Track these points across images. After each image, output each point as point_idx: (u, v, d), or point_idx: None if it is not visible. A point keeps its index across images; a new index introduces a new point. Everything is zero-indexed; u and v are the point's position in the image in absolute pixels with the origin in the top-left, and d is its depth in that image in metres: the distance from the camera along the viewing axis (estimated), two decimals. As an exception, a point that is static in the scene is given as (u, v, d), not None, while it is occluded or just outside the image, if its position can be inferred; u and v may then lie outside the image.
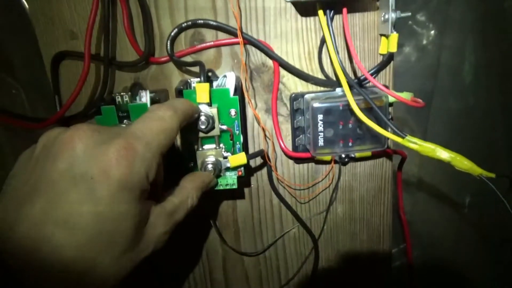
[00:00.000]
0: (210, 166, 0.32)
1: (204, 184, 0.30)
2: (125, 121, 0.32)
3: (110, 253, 0.21)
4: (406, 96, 0.32)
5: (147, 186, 0.23)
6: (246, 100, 0.35)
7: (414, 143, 0.28)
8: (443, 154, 0.28)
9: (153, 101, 0.32)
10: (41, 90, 0.38)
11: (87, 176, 0.21)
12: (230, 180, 0.32)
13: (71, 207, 0.20)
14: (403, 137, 0.28)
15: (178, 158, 0.33)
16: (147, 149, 0.23)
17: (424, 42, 0.46)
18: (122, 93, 0.32)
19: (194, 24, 0.33)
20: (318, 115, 0.32)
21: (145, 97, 0.32)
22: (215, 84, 0.32)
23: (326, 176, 0.38)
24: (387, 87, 0.34)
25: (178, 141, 0.34)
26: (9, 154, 0.40)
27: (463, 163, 0.27)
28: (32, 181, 0.21)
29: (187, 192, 0.28)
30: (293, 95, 0.35)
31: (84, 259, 0.21)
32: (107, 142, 0.22)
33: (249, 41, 0.33)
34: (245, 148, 0.34)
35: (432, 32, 0.46)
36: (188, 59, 0.34)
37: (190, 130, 0.31)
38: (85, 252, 0.21)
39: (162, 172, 0.27)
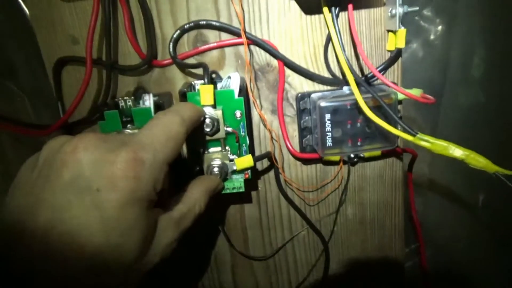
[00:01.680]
0: (216, 170, 0.31)
1: (211, 189, 0.30)
2: (128, 125, 0.31)
3: (118, 266, 0.21)
4: (416, 92, 0.31)
5: (154, 197, 0.23)
6: (251, 101, 0.34)
7: (426, 141, 0.27)
8: (457, 151, 0.27)
9: (157, 105, 0.32)
10: (45, 97, 0.37)
11: (93, 188, 0.20)
12: (237, 183, 0.32)
13: (77, 220, 0.20)
14: (414, 135, 0.27)
15: (183, 162, 0.33)
16: (154, 159, 0.22)
17: (432, 37, 0.45)
18: (125, 98, 0.31)
19: (197, 25, 0.33)
20: (326, 115, 0.31)
21: (148, 101, 0.31)
22: (219, 85, 0.32)
23: (335, 177, 0.37)
24: (395, 84, 0.33)
25: (183, 145, 0.34)
26: (14, 161, 0.40)
27: (478, 160, 0.26)
28: (36, 191, 0.21)
29: (194, 198, 0.28)
30: (299, 94, 0.34)
31: (91, 273, 0.20)
32: (114, 152, 0.21)
33: (253, 41, 0.33)
34: (251, 150, 0.33)
35: (440, 27, 0.45)
36: (191, 61, 0.34)
37: (195, 133, 0.30)
38: (93, 266, 0.20)
39: (167, 180, 0.27)
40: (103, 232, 0.20)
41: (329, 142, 0.32)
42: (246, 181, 0.32)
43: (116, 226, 0.20)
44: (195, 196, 0.28)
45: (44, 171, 0.21)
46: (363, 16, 0.33)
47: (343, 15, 0.32)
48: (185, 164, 0.33)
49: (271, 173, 0.37)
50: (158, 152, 0.23)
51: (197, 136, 0.30)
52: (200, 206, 0.28)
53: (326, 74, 0.34)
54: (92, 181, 0.20)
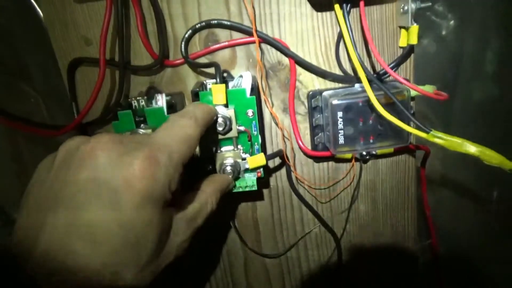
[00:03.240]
0: (229, 168, 0.31)
1: (223, 188, 0.30)
2: (142, 125, 0.32)
3: (133, 266, 0.21)
4: (428, 89, 0.31)
5: (169, 196, 0.23)
6: (263, 99, 0.34)
7: (439, 138, 0.27)
8: (471, 148, 0.26)
9: (169, 105, 0.32)
10: (59, 98, 0.38)
11: (111, 187, 0.20)
12: (249, 181, 0.32)
13: (95, 219, 0.20)
14: (427, 132, 0.27)
15: (196, 161, 0.33)
16: (169, 160, 0.23)
17: (444, 32, 0.45)
18: (138, 98, 0.32)
19: (208, 25, 0.33)
20: (338, 112, 0.31)
21: (161, 100, 0.32)
22: (231, 84, 0.32)
23: (347, 175, 0.37)
24: (408, 80, 0.33)
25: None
26: (29, 161, 0.40)
27: (493, 157, 0.26)
28: (54, 191, 0.21)
29: (206, 196, 0.28)
30: (311, 92, 0.34)
31: (107, 272, 0.20)
32: (130, 153, 0.22)
33: (264, 39, 0.33)
34: (263, 148, 0.33)
35: (452, 22, 0.45)
36: (203, 60, 0.34)
37: (207, 132, 0.30)
38: (109, 265, 0.20)
39: (181, 180, 0.27)
40: (120, 231, 0.20)
41: (341, 140, 0.32)
42: (258, 179, 0.32)
43: (132, 225, 0.21)
44: (207, 194, 0.28)
45: (62, 172, 0.22)
46: (374, 13, 0.32)
47: (354, 12, 0.32)
48: (197, 163, 0.33)
49: (283, 171, 0.37)
50: (173, 153, 0.23)
51: (209, 135, 0.31)
52: (212, 204, 0.28)
53: (337, 71, 0.34)
54: (109, 181, 0.21)
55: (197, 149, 0.33)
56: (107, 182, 0.21)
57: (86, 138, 0.23)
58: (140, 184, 0.21)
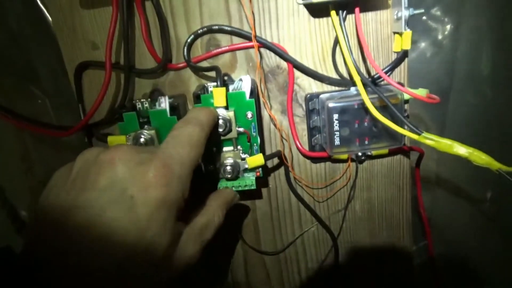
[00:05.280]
0: (228, 168, 0.32)
1: (228, 201, 0.31)
2: (145, 126, 0.33)
3: (144, 273, 0.22)
4: (421, 92, 0.32)
5: (182, 205, 0.24)
6: (262, 102, 0.35)
7: (430, 140, 0.28)
8: (461, 149, 0.27)
9: (172, 106, 0.33)
10: (66, 99, 0.39)
11: (127, 195, 0.22)
12: (248, 181, 0.33)
13: (110, 225, 0.21)
14: (419, 134, 0.28)
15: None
16: (182, 169, 0.24)
17: (440, 37, 0.46)
18: (142, 100, 0.33)
19: (210, 30, 0.34)
20: (334, 115, 0.32)
21: (164, 102, 0.33)
22: (231, 87, 0.33)
23: (343, 175, 0.38)
24: (402, 84, 0.34)
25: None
26: (36, 161, 0.41)
27: (481, 158, 0.27)
28: (72, 196, 0.22)
29: (213, 210, 0.29)
30: (308, 95, 0.35)
31: (123, 271, 0.21)
32: (146, 163, 0.23)
33: (263, 44, 0.34)
34: (262, 149, 0.34)
35: (448, 26, 0.46)
36: (205, 64, 0.35)
37: (210, 134, 0.32)
38: (121, 271, 0.21)
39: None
40: (137, 232, 0.21)
41: (337, 141, 0.33)
42: (257, 179, 0.33)
43: (148, 228, 0.22)
44: (213, 208, 0.29)
45: (80, 179, 0.23)
46: (369, 19, 0.34)
47: (350, 18, 0.33)
48: (199, 164, 0.34)
49: (281, 171, 0.38)
50: (184, 161, 0.25)
51: (211, 136, 0.32)
52: (219, 217, 0.29)
53: (334, 75, 0.35)
54: (127, 188, 0.22)
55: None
56: (125, 189, 0.22)
57: (103, 148, 0.24)
58: (155, 192, 0.22)
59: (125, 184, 0.22)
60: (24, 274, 0.21)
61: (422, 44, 0.47)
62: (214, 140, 0.32)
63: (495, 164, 0.27)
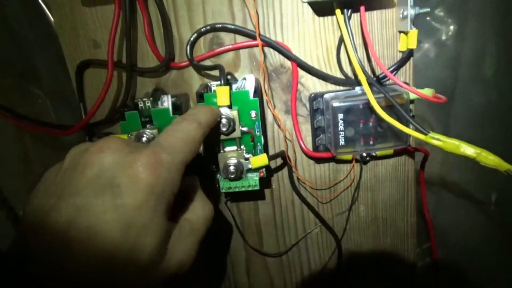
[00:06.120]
0: (232, 168, 0.32)
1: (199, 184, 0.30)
2: (148, 125, 0.32)
3: (133, 268, 0.21)
4: (427, 92, 0.32)
5: (172, 200, 0.23)
6: (266, 101, 0.35)
7: (437, 140, 0.27)
8: (468, 150, 0.27)
9: (175, 106, 0.33)
10: (66, 99, 0.39)
11: (115, 184, 0.21)
12: (252, 181, 0.33)
13: (96, 215, 0.21)
14: (426, 134, 0.28)
15: (200, 161, 0.34)
16: (173, 161, 0.23)
17: (444, 37, 0.46)
18: (144, 99, 0.33)
19: (213, 29, 0.34)
20: (338, 115, 0.32)
21: (166, 101, 0.33)
22: (234, 86, 0.33)
23: (347, 176, 0.38)
24: (407, 84, 0.34)
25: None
26: (36, 161, 0.41)
27: (489, 158, 0.27)
28: (59, 190, 0.22)
29: (201, 203, 0.28)
30: (312, 95, 0.35)
31: (106, 271, 0.20)
32: (135, 153, 0.23)
33: (267, 43, 0.33)
34: (265, 149, 0.34)
35: (452, 27, 0.46)
36: (208, 63, 0.35)
37: (211, 133, 0.31)
38: (108, 264, 0.20)
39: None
40: (121, 230, 0.21)
41: (341, 141, 0.33)
42: (260, 179, 0.33)
43: (133, 224, 0.21)
44: (201, 200, 0.28)
45: (69, 172, 0.22)
46: (375, 18, 0.33)
47: (355, 17, 0.33)
48: (201, 164, 0.34)
49: (285, 172, 0.38)
50: (176, 154, 0.24)
51: (213, 136, 0.32)
52: (210, 208, 0.28)
53: (338, 74, 0.35)
54: (114, 178, 0.21)
55: (201, 148, 0.34)
56: (111, 179, 0.21)
57: (93, 142, 0.24)
58: (142, 181, 0.21)
59: (113, 173, 0.21)
60: (10, 269, 0.20)
61: (426, 45, 0.46)
62: (215, 139, 0.32)
63: (504, 165, 0.27)
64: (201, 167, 0.34)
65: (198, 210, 0.27)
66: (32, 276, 0.20)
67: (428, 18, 0.45)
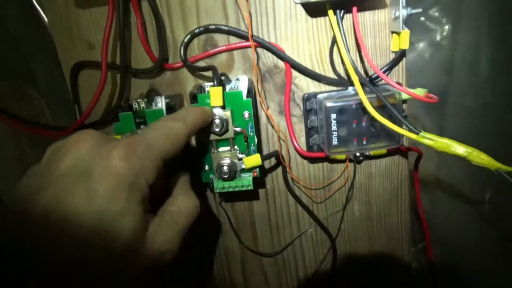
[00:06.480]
0: (225, 168, 0.32)
1: (189, 181, 0.30)
2: (142, 126, 0.33)
3: (106, 253, 0.21)
4: (419, 92, 0.32)
5: (146, 188, 0.23)
6: (259, 102, 0.35)
7: (429, 139, 0.28)
8: (459, 149, 0.27)
9: (169, 106, 0.33)
10: (62, 100, 0.39)
11: (88, 173, 0.22)
12: (245, 181, 0.33)
13: (71, 205, 0.21)
14: (417, 133, 0.28)
15: (193, 162, 0.34)
16: (148, 151, 0.24)
17: (438, 38, 0.46)
18: (138, 100, 0.33)
19: (206, 30, 0.34)
20: (332, 115, 0.32)
21: (160, 102, 0.33)
22: (228, 87, 0.33)
23: (341, 175, 0.38)
24: (400, 84, 0.34)
25: (194, 144, 0.35)
26: (32, 162, 0.41)
27: (480, 157, 0.27)
28: (39, 180, 0.22)
29: (183, 195, 0.28)
30: (306, 95, 0.35)
31: (83, 254, 0.21)
32: (110, 143, 0.23)
33: (260, 43, 0.34)
34: (259, 149, 0.34)
35: (446, 27, 0.46)
36: (202, 64, 0.35)
37: (205, 133, 0.32)
38: (81, 250, 0.21)
39: (161, 179, 0.27)
40: (95, 216, 0.21)
41: (335, 141, 0.33)
42: (254, 179, 0.33)
43: (108, 209, 0.21)
44: (183, 193, 0.28)
45: (47, 165, 0.23)
46: (367, 18, 0.33)
47: (348, 17, 0.33)
48: (195, 164, 0.34)
49: (279, 172, 0.38)
50: (152, 146, 0.24)
51: (206, 136, 0.32)
52: (193, 201, 0.28)
53: (332, 75, 0.35)
54: (88, 167, 0.22)
55: (195, 148, 0.35)
56: (85, 168, 0.22)
57: (71, 135, 0.24)
58: (115, 169, 0.22)
59: (87, 163, 0.22)
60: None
61: (420, 45, 0.47)
62: (209, 140, 0.32)
63: (494, 164, 0.27)
64: (193, 167, 0.34)
65: (181, 204, 0.27)
66: (12, 265, 0.20)
67: (422, 18, 0.46)
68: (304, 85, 0.35)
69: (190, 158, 0.34)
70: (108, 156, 0.22)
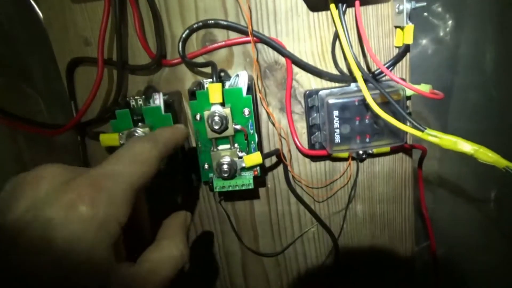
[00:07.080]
0: (225, 167, 0.31)
1: (186, 224, 0.27)
2: (139, 124, 0.32)
3: None
4: (424, 88, 0.31)
5: (117, 230, 0.20)
6: (260, 99, 0.34)
7: (434, 137, 0.27)
8: (466, 146, 0.26)
9: (167, 103, 0.32)
10: (59, 98, 0.38)
11: (46, 217, 0.19)
12: (246, 180, 0.32)
13: (24, 257, 0.18)
14: (422, 131, 0.27)
15: (192, 160, 0.33)
16: (115, 186, 0.21)
17: (441, 33, 0.45)
18: (136, 97, 0.32)
19: (205, 25, 0.33)
20: (334, 112, 0.31)
21: (158, 99, 0.32)
22: (227, 84, 0.32)
23: (343, 174, 0.37)
24: (404, 80, 0.33)
25: (193, 143, 0.34)
26: (29, 161, 0.41)
27: (487, 155, 0.26)
28: None
29: (167, 241, 0.25)
30: (307, 92, 0.34)
31: None
32: (72, 180, 0.20)
33: (260, 39, 0.33)
34: (260, 147, 0.33)
35: (450, 23, 0.45)
36: (200, 60, 0.34)
37: (203, 133, 0.31)
38: None
39: (144, 210, 0.25)
40: (53, 269, 0.18)
41: (337, 139, 0.32)
42: (255, 178, 0.32)
43: (65, 262, 0.18)
44: (169, 238, 0.25)
45: (5, 203, 0.20)
46: (370, 12, 0.33)
47: (350, 12, 0.32)
48: (194, 163, 0.33)
49: (280, 170, 0.37)
50: (121, 179, 0.21)
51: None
52: (178, 248, 0.25)
53: (334, 71, 0.34)
54: (46, 210, 0.19)
55: (194, 147, 0.34)
56: (43, 212, 0.19)
57: (30, 170, 0.21)
58: (76, 212, 0.19)
59: (45, 205, 0.19)
60: None
61: (424, 41, 0.46)
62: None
63: (502, 162, 0.26)
64: (195, 167, 0.33)
65: (165, 251, 0.24)
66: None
67: (425, 13, 0.45)
68: (305, 81, 0.34)
69: (190, 157, 0.33)
70: (68, 197, 0.19)
